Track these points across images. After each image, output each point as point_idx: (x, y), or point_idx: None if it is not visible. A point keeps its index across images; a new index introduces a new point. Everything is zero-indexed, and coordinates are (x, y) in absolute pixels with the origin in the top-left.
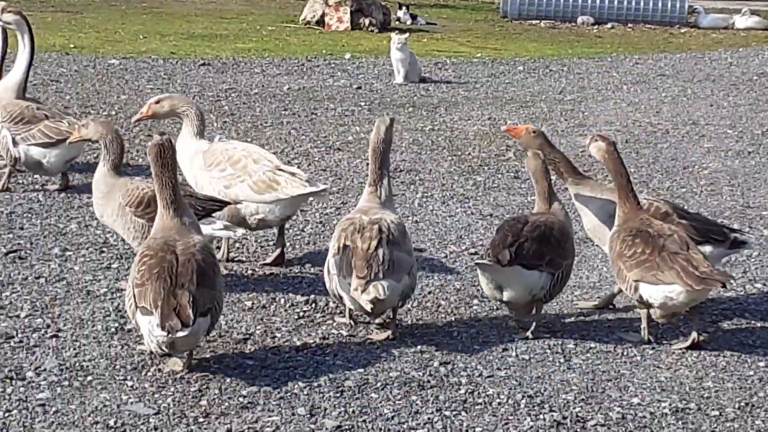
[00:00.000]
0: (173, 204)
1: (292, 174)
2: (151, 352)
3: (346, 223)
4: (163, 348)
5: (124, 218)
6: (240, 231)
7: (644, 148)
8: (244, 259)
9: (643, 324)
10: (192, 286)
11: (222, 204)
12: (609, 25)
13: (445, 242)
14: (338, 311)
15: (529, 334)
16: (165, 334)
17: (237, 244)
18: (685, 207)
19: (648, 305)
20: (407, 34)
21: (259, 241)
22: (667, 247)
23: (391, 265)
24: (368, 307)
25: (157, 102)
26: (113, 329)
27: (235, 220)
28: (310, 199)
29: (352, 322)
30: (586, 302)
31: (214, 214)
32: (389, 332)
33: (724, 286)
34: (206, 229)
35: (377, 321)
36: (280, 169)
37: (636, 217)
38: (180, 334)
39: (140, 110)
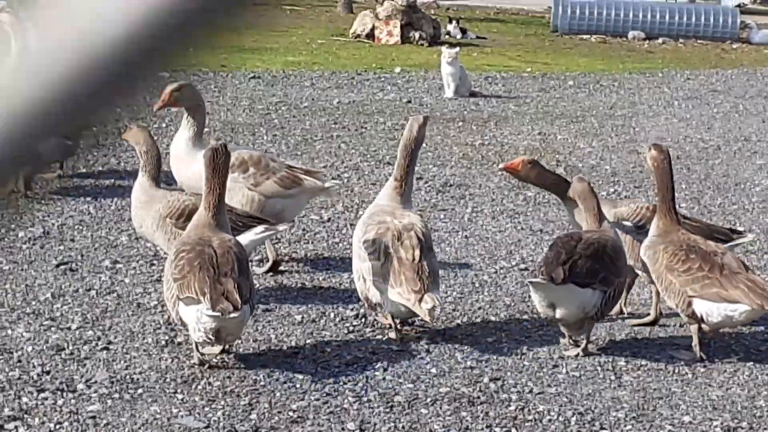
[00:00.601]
0: (215, 208)
1: (306, 170)
2: (197, 348)
3: (377, 226)
4: (210, 336)
5: (164, 229)
6: (282, 227)
7: (695, 165)
8: (293, 271)
9: (695, 341)
10: (234, 274)
11: (260, 221)
12: (660, 41)
13: (495, 258)
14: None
15: (580, 351)
16: (218, 314)
17: (286, 257)
18: (737, 225)
19: (700, 321)
20: (458, 48)
21: (308, 255)
22: (727, 266)
23: (433, 276)
24: (428, 317)
25: (179, 89)
26: (164, 342)
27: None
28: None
29: (397, 334)
30: (639, 319)
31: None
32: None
33: None
34: (248, 236)
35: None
36: (293, 167)
37: (676, 230)
38: (232, 315)
39: (160, 99)
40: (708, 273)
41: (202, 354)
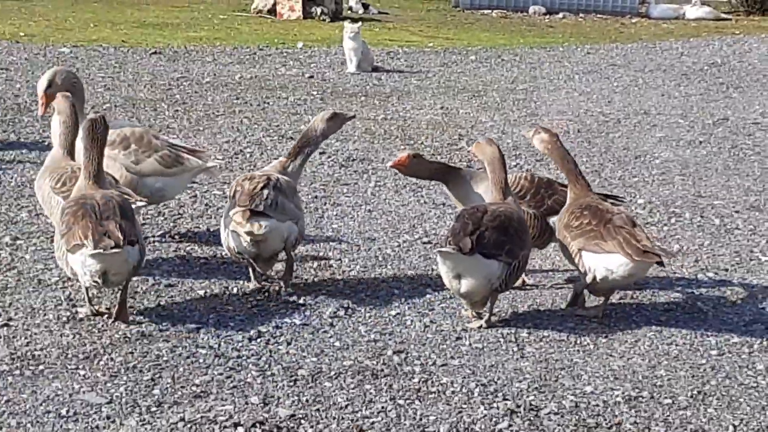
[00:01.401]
0: (95, 176)
1: (189, 149)
2: (89, 301)
3: (242, 176)
4: (97, 279)
5: (50, 199)
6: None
7: (596, 138)
8: (196, 246)
9: (574, 293)
10: (116, 217)
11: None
12: (560, 15)
13: (398, 231)
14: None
15: (483, 323)
16: (100, 251)
17: (189, 234)
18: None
19: (590, 278)
20: (360, 23)
21: (211, 229)
22: (613, 221)
23: (274, 204)
24: (247, 238)
25: (49, 85)
26: (65, 318)
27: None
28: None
29: (256, 283)
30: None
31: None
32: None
33: (661, 263)
34: None
35: (268, 273)
36: (176, 146)
37: (584, 196)
38: (113, 251)
39: (39, 105)
40: (594, 227)
41: (93, 305)
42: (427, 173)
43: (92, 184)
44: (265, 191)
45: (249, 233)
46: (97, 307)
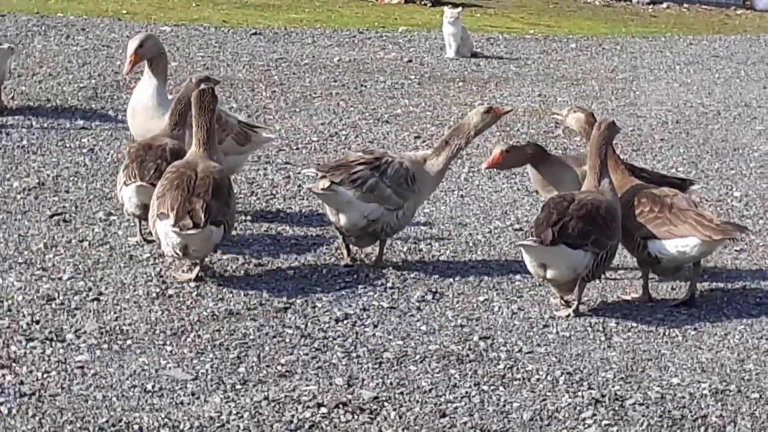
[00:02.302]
0: (205, 144)
1: (251, 125)
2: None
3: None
4: (178, 251)
5: None
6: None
7: (694, 129)
8: (286, 226)
9: (644, 282)
10: (207, 196)
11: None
12: (664, 5)
13: (490, 217)
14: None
15: (571, 312)
16: (177, 230)
17: (281, 215)
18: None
19: (656, 261)
20: (460, 9)
21: (302, 210)
22: (676, 204)
23: (359, 182)
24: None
25: (141, 46)
26: (154, 294)
27: None
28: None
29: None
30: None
31: None
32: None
33: (732, 238)
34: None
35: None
36: (241, 122)
37: (630, 182)
38: (190, 232)
39: (126, 63)
40: (658, 213)
41: (175, 277)
42: (522, 160)
43: (201, 152)
44: (359, 167)
45: (311, 189)
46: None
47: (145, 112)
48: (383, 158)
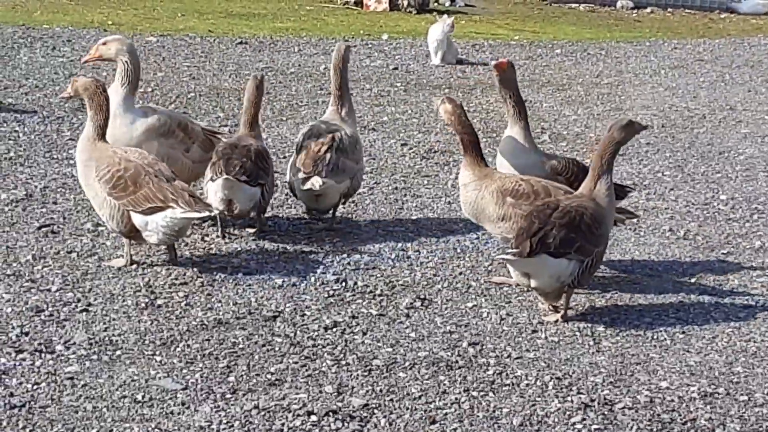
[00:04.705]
0: (250, 125)
1: (213, 132)
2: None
3: (306, 127)
4: (222, 205)
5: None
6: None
7: (680, 133)
8: (275, 235)
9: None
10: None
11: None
12: (648, 10)
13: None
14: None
15: (559, 317)
16: (226, 177)
17: (269, 223)
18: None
19: None
20: (452, 17)
21: (291, 219)
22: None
23: (335, 168)
24: (307, 194)
25: (104, 43)
26: (143, 304)
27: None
28: None
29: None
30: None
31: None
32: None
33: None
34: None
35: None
36: (205, 129)
37: (493, 174)
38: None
39: (89, 53)
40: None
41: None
42: (513, 88)
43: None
44: (328, 155)
45: (307, 191)
46: (131, 257)
47: (112, 120)
48: (335, 135)
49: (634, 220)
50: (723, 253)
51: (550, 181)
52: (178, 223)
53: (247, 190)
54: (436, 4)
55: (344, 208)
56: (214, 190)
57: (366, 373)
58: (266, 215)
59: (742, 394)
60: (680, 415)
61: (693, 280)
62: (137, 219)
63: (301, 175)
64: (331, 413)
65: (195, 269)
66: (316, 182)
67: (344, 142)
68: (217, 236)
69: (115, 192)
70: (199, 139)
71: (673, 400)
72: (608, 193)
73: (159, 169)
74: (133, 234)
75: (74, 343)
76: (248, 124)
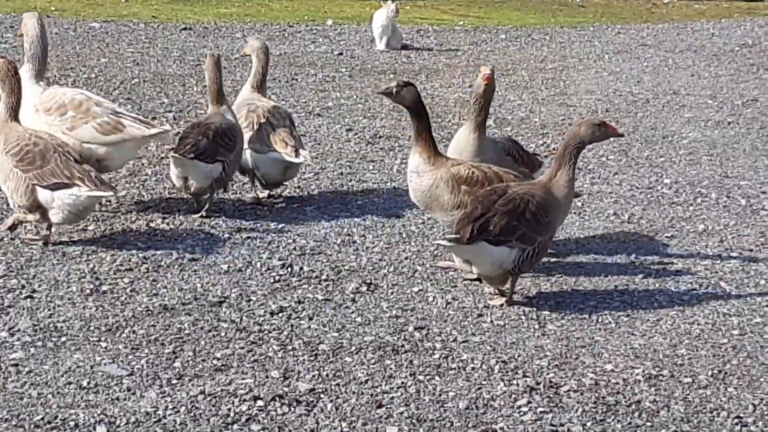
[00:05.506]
0: (216, 100)
1: (135, 118)
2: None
3: (247, 107)
4: (179, 182)
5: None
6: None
7: (624, 118)
8: (220, 221)
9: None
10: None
11: None
12: None
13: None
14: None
15: (504, 301)
16: (176, 155)
17: (213, 209)
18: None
19: None
20: (396, 3)
21: (236, 205)
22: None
23: (301, 140)
24: (302, 162)
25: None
26: (88, 291)
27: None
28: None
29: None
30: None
31: None
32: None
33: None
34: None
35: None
36: (120, 113)
37: (446, 162)
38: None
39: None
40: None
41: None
42: (490, 99)
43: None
44: (294, 130)
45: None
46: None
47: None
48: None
49: (578, 201)
50: (667, 237)
51: (503, 168)
52: (83, 202)
53: (202, 167)
54: None
55: (289, 192)
56: (171, 167)
57: (312, 358)
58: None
59: (686, 376)
60: (625, 398)
61: (637, 264)
62: (42, 194)
63: (289, 149)
64: (277, 398)
65: (140, 255)
66: (306, 155)
67: (290, 114)
68: (164, 222)
69: (23, 165)
70: (97, 120)
71: (618, 383)
72: (567, 184)
73: (68, 150)
74: (36, 209)
75: (18, 330)
76: (214, 101)
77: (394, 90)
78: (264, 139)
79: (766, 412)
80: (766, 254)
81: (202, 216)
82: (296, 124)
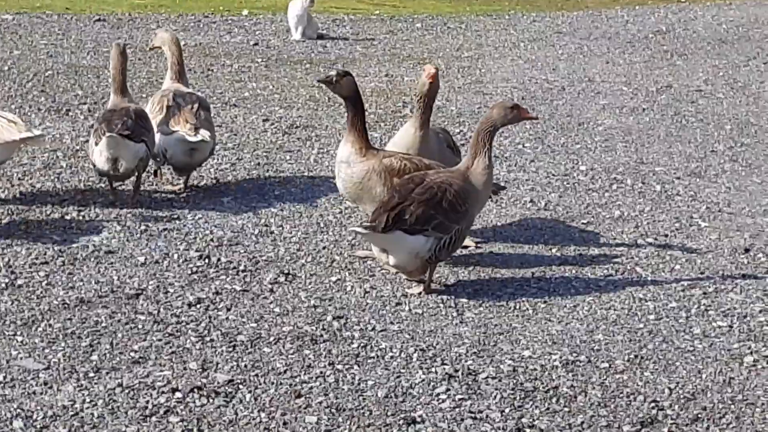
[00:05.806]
0: (120, 91)
1: (9, 120)
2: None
3: (160, 93)
4: (108, 165)
5: None
6: None
7: (540, 105)
8: (137, 212)
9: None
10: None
11: None
12: None
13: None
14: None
15: (422, 290)
16: (111, 135)
17: (128, 199)
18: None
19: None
20: None
21: (152, 196)
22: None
23: (208, 123)
24: (200, 140)
25: None
26: (3, 284)
27: None
28: (29, 145)
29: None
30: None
31: None
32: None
33: None
34: None
35: None
36: None
37: (378, 153)
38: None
39: None
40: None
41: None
42: (434, 97)
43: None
44: (201, 113)
45: (201, 140)
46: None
47: None
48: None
49: (501, 193)
50: (583, 223)
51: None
52: None
53: (132, 146)
54: None
55: (207, 183)
56: (99, 150)
57: (230, 349)
58: (126, 192)
59: (603, 361)
60: (543, 384)
61: (554, 251)
62: None
63: (188, 127)
64: (195, 390)
65: (56, 248)
66: (204, 133)
67: (204, 100)
68: (79, 214)
69: None
70: None
71: (535, 369)
72: (485, 172)
73: None
74: None
75: None
76: (119, 92)
77: (334, 79)
78: (169, 121)
79: (682, 396)
80: (680, 240)
81: (131, 200)
82: (212, 113)
